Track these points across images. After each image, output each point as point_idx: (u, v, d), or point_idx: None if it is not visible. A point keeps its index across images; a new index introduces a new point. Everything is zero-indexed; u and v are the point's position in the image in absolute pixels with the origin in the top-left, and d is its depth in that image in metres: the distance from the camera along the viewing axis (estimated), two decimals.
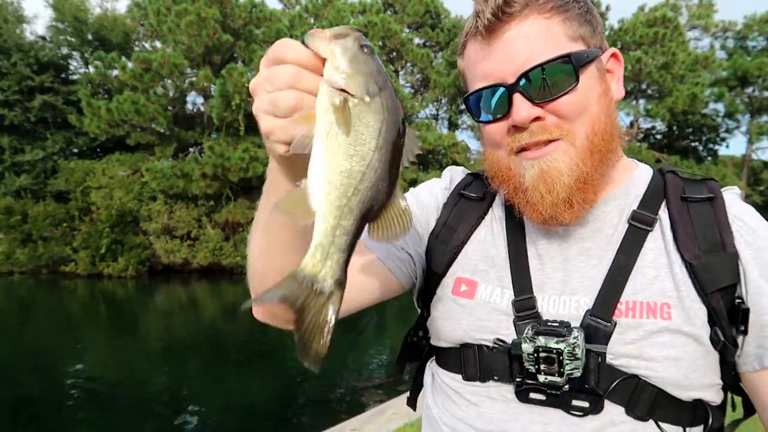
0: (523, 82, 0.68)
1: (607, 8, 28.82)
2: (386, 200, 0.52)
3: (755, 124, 31.38)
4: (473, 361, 0.75)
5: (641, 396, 0.67)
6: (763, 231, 0.69)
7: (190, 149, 20.54)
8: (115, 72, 20.30)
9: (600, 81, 0.73)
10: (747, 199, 37.81)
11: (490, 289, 0.77)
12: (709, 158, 32.70)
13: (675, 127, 31.72)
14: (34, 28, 57.51)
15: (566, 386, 0.67)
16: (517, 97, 0.69)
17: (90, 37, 23.53)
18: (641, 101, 30.28)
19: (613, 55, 0.79)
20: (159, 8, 19.06)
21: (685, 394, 0.68)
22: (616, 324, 0.68)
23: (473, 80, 0.75)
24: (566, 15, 0.71)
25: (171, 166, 18.38)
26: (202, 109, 21.49)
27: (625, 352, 0.68)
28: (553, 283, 0.74)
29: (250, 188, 19.94)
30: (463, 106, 32.65)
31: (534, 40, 0.68)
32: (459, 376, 0.77)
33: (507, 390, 0.72)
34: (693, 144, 33.41)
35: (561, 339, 0.66)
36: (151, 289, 15.72)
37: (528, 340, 0.68)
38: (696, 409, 0.70)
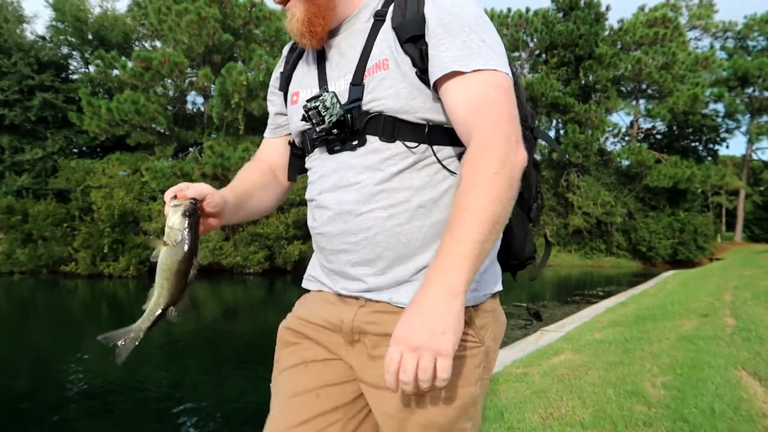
0: None
1: (607, 8, 28.82)
2: (181, 292, 1.00)
3: (755, 124, 31.39)
4: (306, 141, 1.09)
5: (384, 125, 0.96)
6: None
7: (190, 149, 20.55)
8: (116, 71, 20.31)
9: None
10: (747, 198, 37.63)
11: (306, 92, 1.08)
12: (710, 158, 32.68)
13: (675, 127, 31.71)
14: (34, 28, 57.55)
15: (334, 130, 0.98)
16: None
17: (90, 36, 23.54)
18: (641, 101, 30.27)
19: None
20: (160, 7, 19.07)
21: (413, 117, 0.96)
22: (365, 84, 0.98)
23: None
24: None
25: (171, 165, 18.39)
26: (202, 108, 21.51)
27: (368, 99, 0.97)
28: (337, 74, 1.04)
29: None
30: None
31: None
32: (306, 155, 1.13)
33: (322, 150, 1.04)
34: (693, 144, 33.39)
35: (318, 98, 0.98)
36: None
37: (304, 109, 0.99)
38: (427, 127, 0.96)
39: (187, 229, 0.97)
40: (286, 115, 1.18)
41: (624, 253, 27.99)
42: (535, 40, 28.85)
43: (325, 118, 0.96)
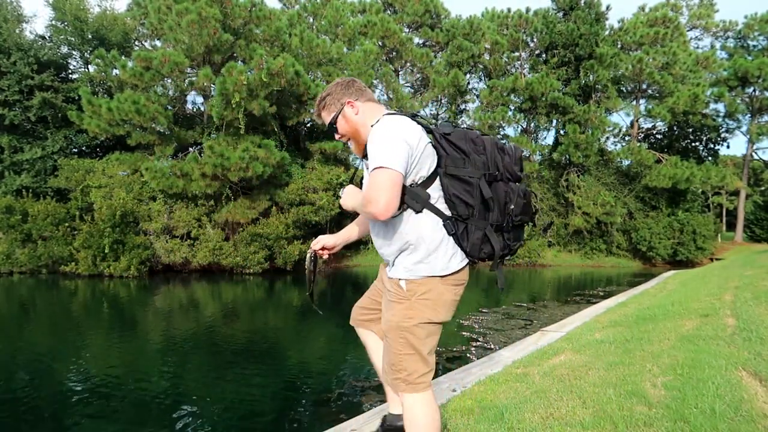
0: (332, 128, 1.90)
1: (608, 8, 28.78)
2: (310, 284, 2.18)
3: (755, 124, 31.35)
4: None
5: None
6: (371, 135, 1.70)
7: (190, 149, 20.53)
8: (115, 71, 20.29)
9: (346, 116, 1.85)
10: (747, 198, 37.47)
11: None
12: (710, 158, 32.66)
13: (675, 127, 31.67)
14: (33, 27, 57.51)
15: None
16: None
17: (90, 36, 23.52)
18: (642, 101, 30.23)
19: (348, 102, 1.85)
20: (160, 6, 19.04)
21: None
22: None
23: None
24: (327, 108, 1.88)
25: (171, 165, 18.36)
26: (202, 108, 21.49)
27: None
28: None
29: (250, 188, 19.92)
30: (462, 106, 32.44)
31: (325, 117, 1.90)
32: None
33: None
34: (693, 144, 33.36)
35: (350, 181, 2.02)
36: (151, 288, 15.72)
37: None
38: None
39: (310, 265, 2.09)
40: None
41: (624, 253, 27.97)
42: (535, 40, 28.82)
43: None
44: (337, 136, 1.89)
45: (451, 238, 1.73)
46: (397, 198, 1.59)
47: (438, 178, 1.72)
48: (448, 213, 1.73)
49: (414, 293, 1.71)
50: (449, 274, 1.73)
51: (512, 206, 1.73)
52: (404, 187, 1.65)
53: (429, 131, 1.76)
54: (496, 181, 1.72)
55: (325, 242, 2.06)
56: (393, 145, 1.61)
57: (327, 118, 1.87)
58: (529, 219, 1.79)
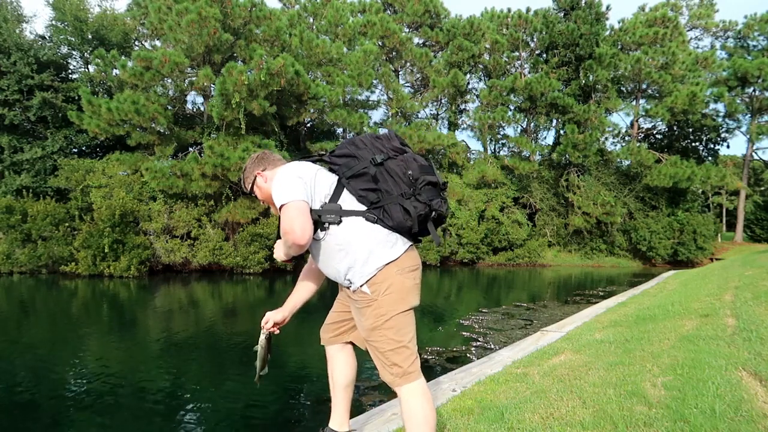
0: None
1: (608, 8, 28.77)
2: (263, 364, 2.26)
3: (755, 124, 31.34)
4: None
5: None
6: (271, 188, 1.94)
7: (190, 149, 20.52)
8: (115, 71, 20.27)
9: (258, 186, 2.10)
10: (747, 198, 37.40)
11: None
12: (710, 158, 32.65)
13: (675, 127, 31.67)
14: (33, 27, 57.46)
15: None
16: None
17: (90, 36, 23.51)
18: (641, 101, 30.23)
19: (258, 173, 2.10)
20: (160, 6, 19.03)
21: None
22: None
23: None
24: (246, 181, 2.12)
25: (171, 165, 18.35)
26: (202, 108, 21.48)
27: None
28: None
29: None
30: (462, 106, 32.35)
31: (247, 189, 2.14)
32: None
33: None
34: (693, 144, 33.34)
35: None
36: (151, 288, 15.71)
37: None
38: None
39: (262, 344, 2.18)
40: None
41: (624, 253, 27.97)
42: (535, 39, 28.83)
43: None
44: (261, 203, 2.21)
45: (379, 227, 1.87)
46: (309, 221, 1.79)
47: (344, 188, 1.91)
48: (363, 208, 1.89)
49: (378, 292, 1.85)
50: (399, 258, 1.88)
51: (410, 171, 1.87)
52: (316, 211, 1.85)
53: (320, 160, 2.03)
54: (388, 161, 1.89)
55: (274, 319, 2.19)
56: (286, 183, 1.83)
57: (248, 189, 2.14)
58: (433, 177, 1.90)
